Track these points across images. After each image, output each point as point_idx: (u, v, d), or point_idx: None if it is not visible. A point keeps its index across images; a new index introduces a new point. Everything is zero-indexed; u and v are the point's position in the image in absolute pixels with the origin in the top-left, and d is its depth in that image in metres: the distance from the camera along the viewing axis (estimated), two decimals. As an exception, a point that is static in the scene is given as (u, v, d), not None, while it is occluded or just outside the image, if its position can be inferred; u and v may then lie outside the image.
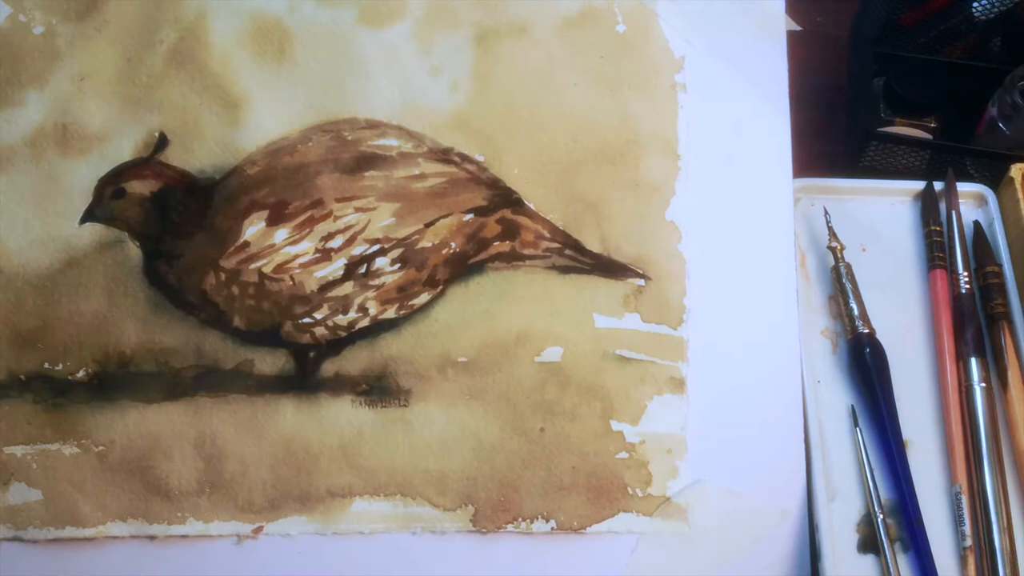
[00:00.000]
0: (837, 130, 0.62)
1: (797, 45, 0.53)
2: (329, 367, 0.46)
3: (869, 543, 0.47)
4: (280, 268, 0.46)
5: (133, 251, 0.46)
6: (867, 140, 0.58)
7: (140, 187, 0.47)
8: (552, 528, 0.45)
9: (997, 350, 0.51)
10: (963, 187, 0.55)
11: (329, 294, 0.47)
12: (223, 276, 0.46)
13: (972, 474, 0.48)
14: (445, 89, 0.50)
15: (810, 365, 0.50)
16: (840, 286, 0.52)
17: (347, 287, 0.47)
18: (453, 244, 0.48)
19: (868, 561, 0.47)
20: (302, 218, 0.47)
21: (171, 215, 0.47)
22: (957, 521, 0.48)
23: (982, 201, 0.56)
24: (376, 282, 0.47)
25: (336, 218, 0.47)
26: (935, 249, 0.53)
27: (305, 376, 0.46)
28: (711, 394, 0.47)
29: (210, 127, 0.48)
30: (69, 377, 0.45)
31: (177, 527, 0.44)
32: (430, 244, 0.47)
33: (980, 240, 0.54)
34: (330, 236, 0.47)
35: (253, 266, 0.46)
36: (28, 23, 0.50)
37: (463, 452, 0.45)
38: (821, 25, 0.65)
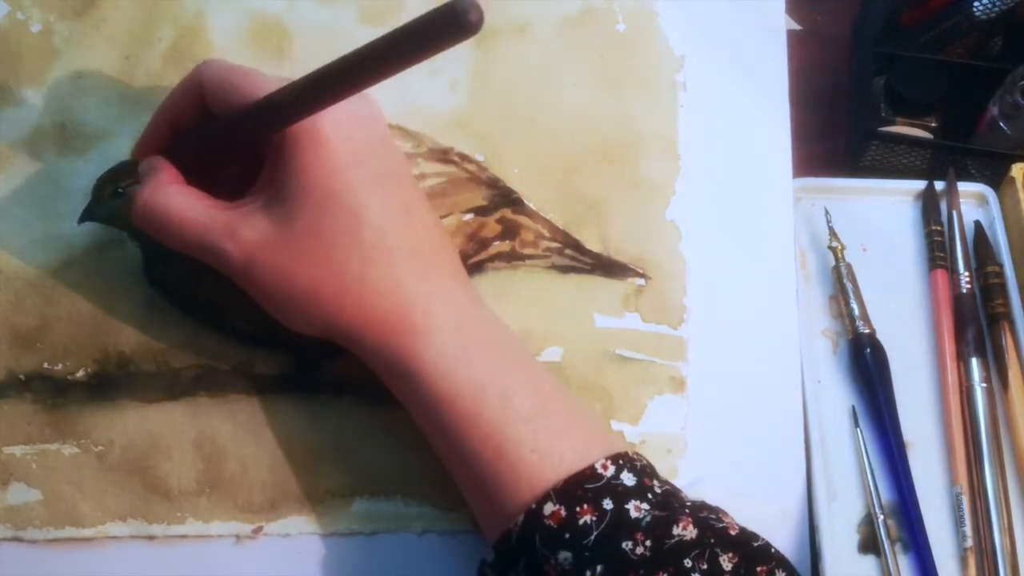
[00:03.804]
0: (837, 129, 0.62)
1: (797, 44, 0.53)
2: (329, 367, 0.46)
3: (869, 543, 0.47)
4: (280, 268, 0.46)
5: (132, 251, 0.46)
6: (868, 139, 0.58)
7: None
8: (552, 528, 0.45)
9: (998, 350, 0.51)
10: (964, 187, 0.55)
11: (329, 294, 0.46)
12: (222, 275, 0.46)
13: (973, 474, 0.48)
14: (445, 88, 0.50)
15: (811, 365, 0.50)
16: (841, 286, 0.52)
17: (347, 287, 0.46)
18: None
19: (868, 561, 0.47)
20: (302, 217, 0.46)
21: (170, 214, 0.47)
22: (958, 522, 0.48)
23: (983, 201, 0.56)
24: (376, 282, 0.46)
25: (336, 217, 0.47)
26: (936, 249, 0.53)
27: (305, 376, 0.46)
28: (711, 394, 0.47)
29: (209, 126, 0.48)
30: (68, 377, 0.45)
31: (176, 527, 0.43)
32: (430, 244, 0.47)
33: (981, 240, 0.54)
34: (330, 235, 0.46)
35: (253, 266, 0.46)
36: (26, 21, 0.50)
37: (463, 452, 0.45)
38: (822, 24, 0.65)
